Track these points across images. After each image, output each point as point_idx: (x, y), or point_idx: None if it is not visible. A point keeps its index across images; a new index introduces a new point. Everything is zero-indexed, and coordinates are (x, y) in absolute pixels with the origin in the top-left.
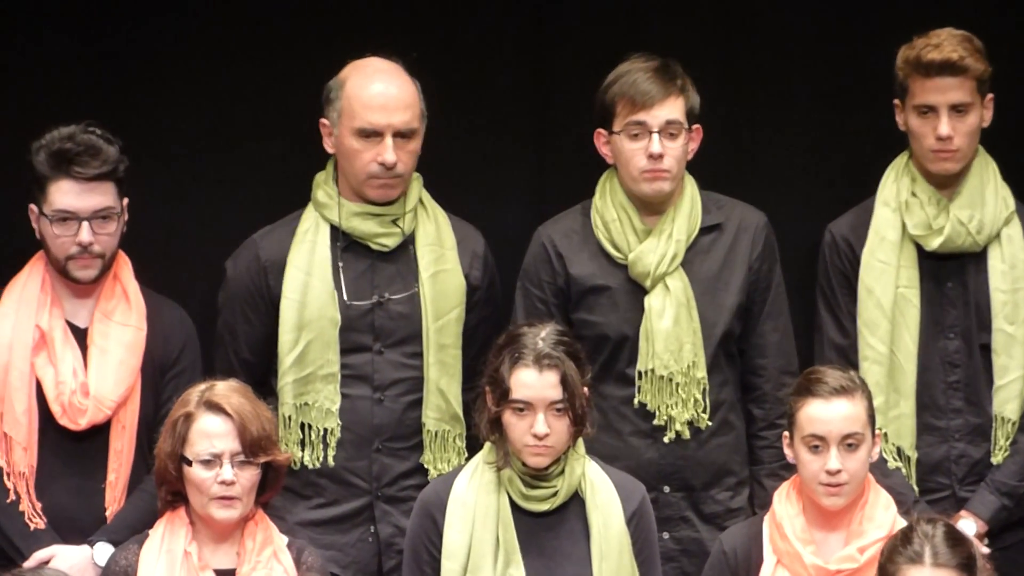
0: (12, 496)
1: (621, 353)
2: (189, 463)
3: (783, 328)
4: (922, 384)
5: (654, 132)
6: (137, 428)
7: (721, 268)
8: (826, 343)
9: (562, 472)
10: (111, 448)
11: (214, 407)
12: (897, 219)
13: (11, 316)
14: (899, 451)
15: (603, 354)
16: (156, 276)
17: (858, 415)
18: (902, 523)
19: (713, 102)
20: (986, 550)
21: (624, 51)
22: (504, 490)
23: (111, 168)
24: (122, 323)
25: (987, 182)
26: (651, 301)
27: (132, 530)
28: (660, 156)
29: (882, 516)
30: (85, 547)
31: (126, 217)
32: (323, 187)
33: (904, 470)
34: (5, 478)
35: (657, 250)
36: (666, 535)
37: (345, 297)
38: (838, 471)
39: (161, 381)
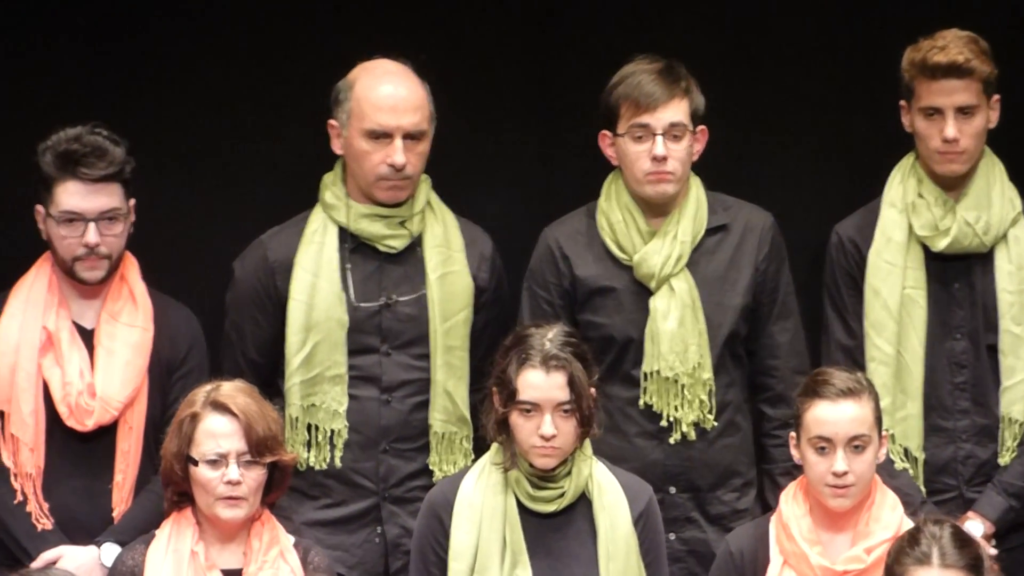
0: (19, 497)
1: (627, 354)
2: (195, 463)
3: (794, 328)
4: (929, 385)
5: (658, 134)
6: (144, 429)
7: (727, 269)
8: (833, 344)
9: (569, 473)
10: (118, 449)
11: (220, 407)
12: (904, 220)
13: (18, 317)
14: (906, 452)
15: (609, 355)
16: (163, 277)
17: (865, 417)
18: (909, 524)
19: (720, 103)
20: (993, 551)
21: (630, 53)
22: (511, 491)
23: (117, 169)
24: (129, 324)
25: (994, 183)
26: (656, 303)
27: (139, 531)
28: (664, 159)
29: (889, 517)
30: (92, 547)
31: (133, 218)
32: (331, 188)
33: (911, 471)
34: (12, 479)
35: (662, 251)
36: (672, 536)
37: (353, 299)
38: (845, 473)
39: (168, 382)
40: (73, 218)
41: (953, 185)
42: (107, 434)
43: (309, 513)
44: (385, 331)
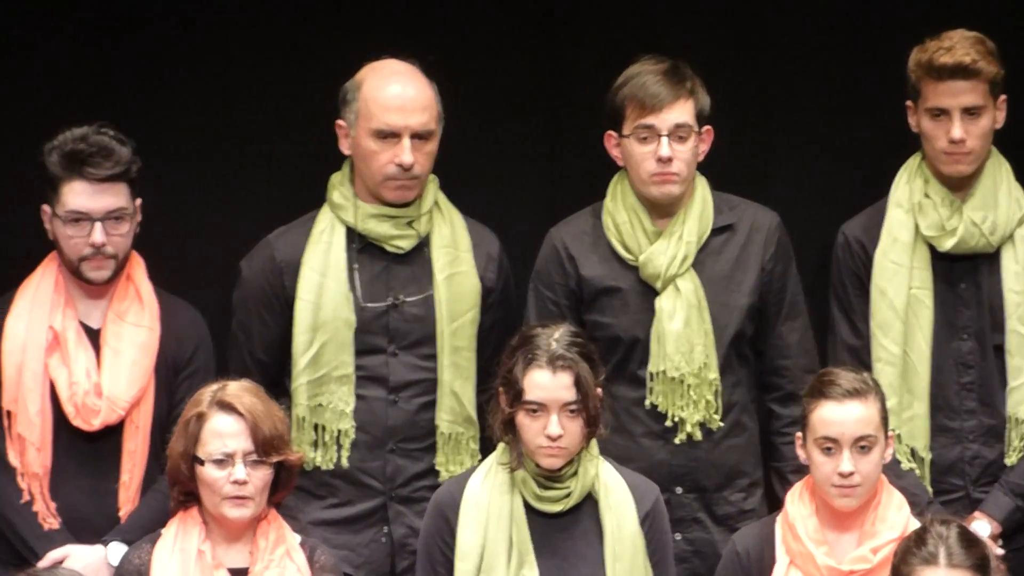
0: (26, 496)
1: (633, 354)
2: (201, 463)
3: (802, 328)
4: (936, 385)
5: (663, 135)
6: (150, 428)
7: (733, 269)
8: (839, 344)
9: (576, 473)
10: (124, 448)
11: (226, 407)
12: (910, 220)
13: (24, 317)
14: (913, 452)
15: (615, 355)
16: (170, 276)
17: (871, 417)
18: (915, 524)
19: (726, 103)
20: (1000, 551)
21: (637, 53)
22: (518, 491)
23: (124, 169)
24: (135, 324)
25: (1000, 183)
26: (662, 303)
27: (145, 530)
28: (669, 160)
29: (895, 517)
30: (99, 547)
31: (139, 218)
32: (339, 188)
33: (918, 471)
34: (19, 478)
35: (667, 252)
36: (678, 536)
37: (360, 299)
38: (851, 473)
39: (174, 381)
40: (79, 218)
41: (960, 185)
42: (113, 434)
43: (316, 513)
44: (392, 331)
